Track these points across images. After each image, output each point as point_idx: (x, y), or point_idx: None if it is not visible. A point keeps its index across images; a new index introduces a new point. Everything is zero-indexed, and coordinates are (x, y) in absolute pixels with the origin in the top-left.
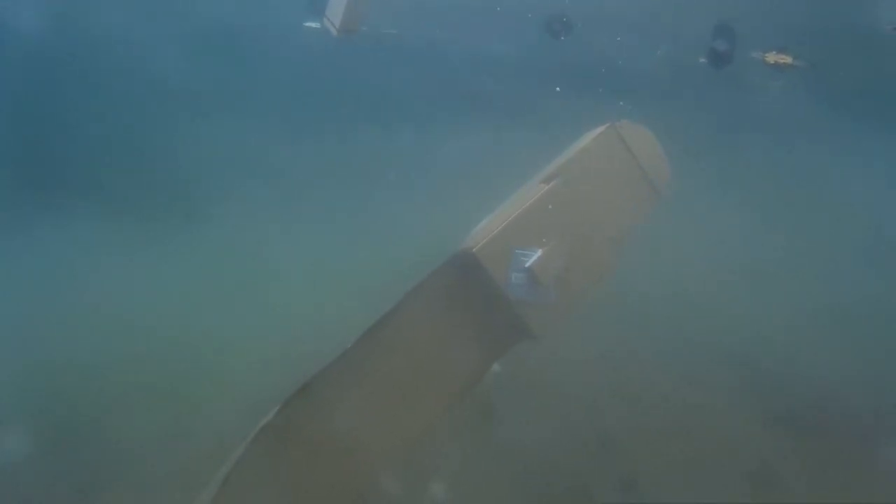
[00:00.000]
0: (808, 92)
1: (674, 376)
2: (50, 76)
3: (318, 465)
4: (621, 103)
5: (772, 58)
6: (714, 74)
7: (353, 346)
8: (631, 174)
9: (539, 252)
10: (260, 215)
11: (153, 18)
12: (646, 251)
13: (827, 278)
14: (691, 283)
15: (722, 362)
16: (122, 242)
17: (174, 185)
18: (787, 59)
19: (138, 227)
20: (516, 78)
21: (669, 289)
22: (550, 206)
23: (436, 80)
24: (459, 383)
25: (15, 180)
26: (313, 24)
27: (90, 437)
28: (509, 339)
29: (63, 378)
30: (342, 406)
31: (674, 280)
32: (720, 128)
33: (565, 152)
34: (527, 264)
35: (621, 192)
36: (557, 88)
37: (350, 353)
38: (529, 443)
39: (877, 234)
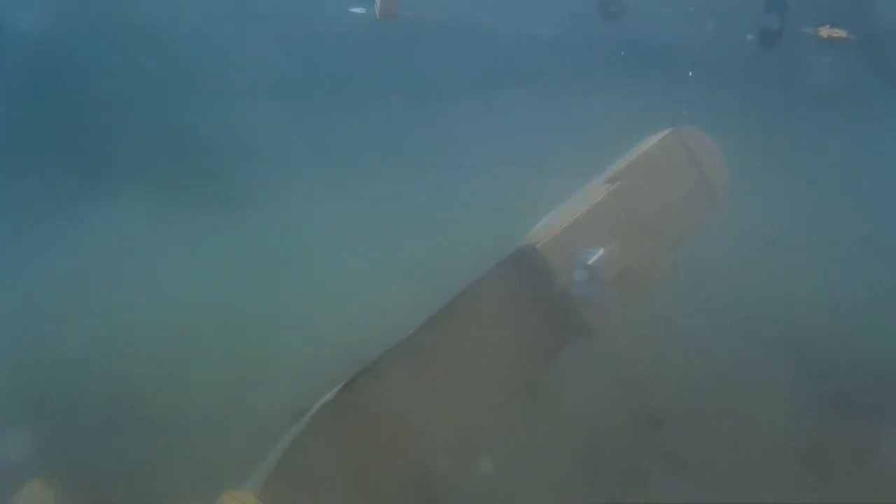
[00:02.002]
0: (863, 66)
1: (723, 356)
2: (92, 62)
3: (378, 446)
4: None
5: (825, 32)
6: (765, 52)
7: (417, 332)
8: (692, 180)
9: (601, 251)
10: (309, 200)
11: (198, 2)
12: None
13: (884, 257)
14: (741, 262)
15: (772, 343)
16: (171, 226)
17: (220, 171)
18: (841, 34)
19: (187, 212)
20: (568, 62)
21: (718, 267)
22: (612, 207)
23: (484, 66)
24: (518, 376)
25: (55, 167)
26: (359, 10)
27: (143, 416)
28: (568, 335)
29: (112, 358)
30: (404, 389)
31: (723, 259)
32: (772, 106)
33: (628, 154)
34: (588, 262)
35: (682, 197)
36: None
37: (414, 338)
38: (579, 422)
39: None
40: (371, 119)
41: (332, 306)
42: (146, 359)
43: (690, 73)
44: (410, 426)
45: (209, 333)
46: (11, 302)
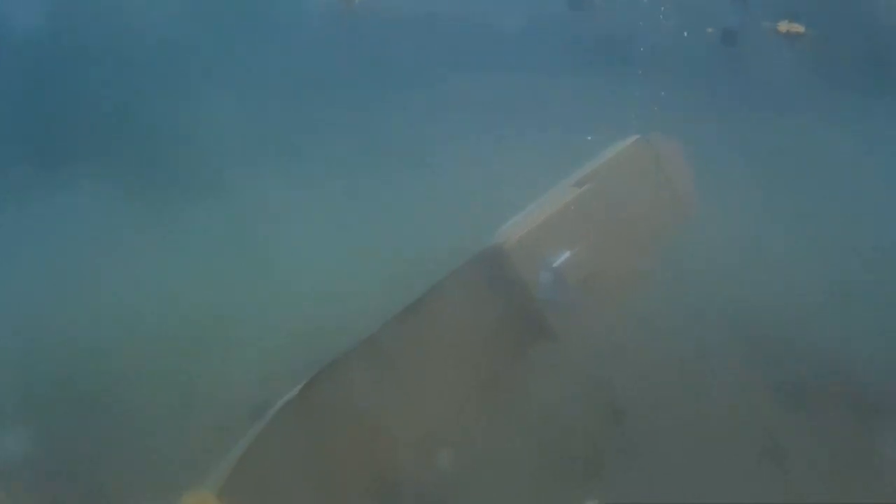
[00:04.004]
0: (821, 61)
1: (684, 347)
2: (52, 52)
3: (340, 444)
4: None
5: (784, 27)
6: (726, 47)
7: (381, 330)
8: (659, 185)
9: (567, 254)
10: (274, 193)
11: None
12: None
13: (842, 253)
14: (701, 257)
15: (733, 334)
16: (133, 219)
17: (187, 163)
18: (800, 29)
19: (148, 203)
20: (535, 54)
21: (678, 261)
22: (580, 211)
23: (446, 59)
24: (481, 376)
25: (17, 157)
26: None
27: (98, 412)
28: (531, 337)
29: (70, 357)
30: (366, 387)
31: (684, 253)
32: (732, 100)
33: (596, 159)
34: (554, 265)
35: (649, 201)
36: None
37: (377, 336)
38: (542, 415)
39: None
40: (337, 111)
41: (295, 301)
42: (102, 352)
43: (640, 72)
44: (373, 425)
45: (168, 326)
46: None
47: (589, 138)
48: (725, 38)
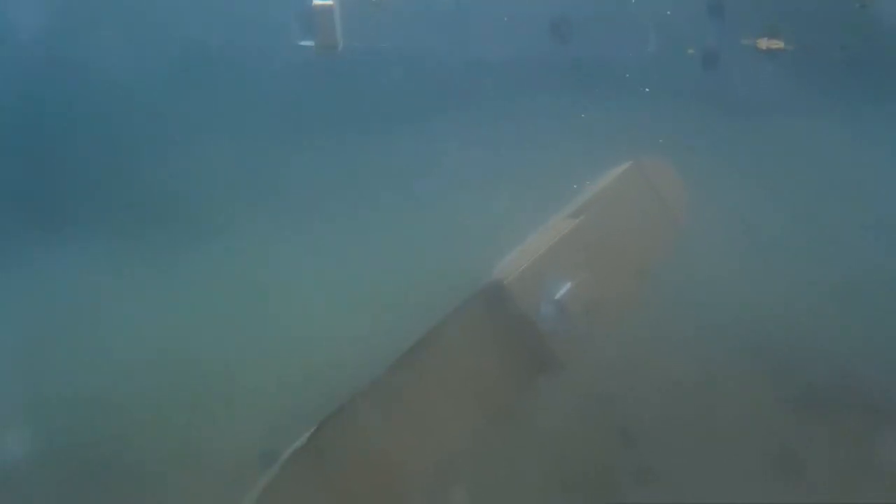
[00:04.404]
0: (803, 74)
1: (690, 368)
2: (41, 100)
3: (352, 490)
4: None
5: (763, 43)
6: (708, 66)
7: (387, 372)
8: (654, 210)
9: (567, 285)
10: (269, 238)
11: (146, 39)
12: None
13: (840, 258)
14: (700, 276)
15: (737, 350)
16: (132, 271)
17: (184, 213)
18: (779, 44)
19: (145, 255)
20: (520, 85)
21: (678, 282)
22: (578, 241)
23: (433, 95)
24: (490, 411)
25: (7, 213)
26: (308, 43)
27: (107, 464)
28: (538, 369)
29: (69, 404)
30: (375, 430)
31: (683, 273)
32: (718, 118)
33: (591, 188)
34: (556, 296)
35: (645, 227)
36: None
37: (383, 378)
38: (553, 443)
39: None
40: (326, 153)
41: (299, 347)
42: (110, 406)
43: (626, 98)
44: (384, 468)
45: (173, 377)
46: None
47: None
48: (706, 58)
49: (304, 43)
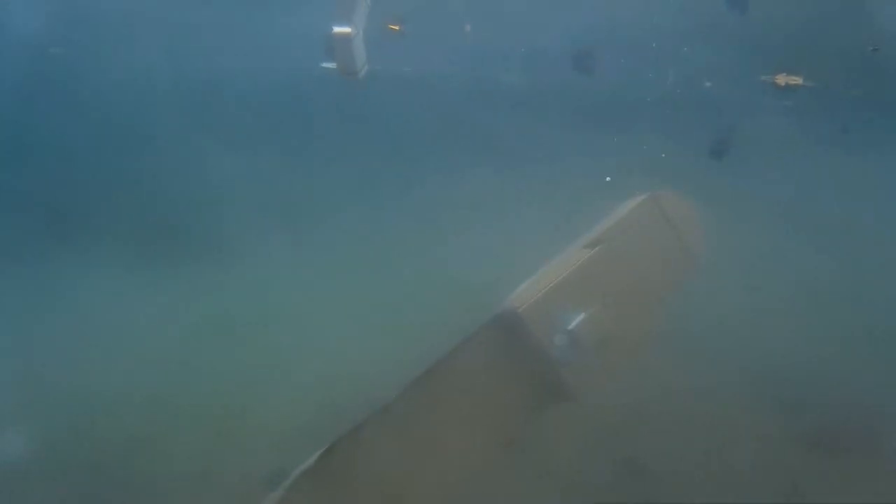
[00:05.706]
0: (822, 110)
1: (702, 403)
2: (64, 120)
3: None
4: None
5: (782, 79)
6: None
7: (398, 397)
8: (670, 243)
9: (581, 316)
10: (284, 259)
11: (171, 64)
12: None
13: (860, 298)
14: (715, 311)
15: (750, 387)
16: (141, 286)
17: (191, 230)
18: (798, 80)
19: (158, 271)
20: (542, 117)
21: (692, 317)
22: (593, 272)
23: (454, 123)
24: (500, 441)
25: (21, 224)
26: (330, 65)
27: (115, 482)
28: (549, 400)
29: (85, 428)
30: (384, 455)
31: (697, 308)
32: (736, 152)
33: (607, 219)
34: (569, 327)
35: (661, 259)
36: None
37: (394, 403)
38: (564, 474)
39: None
40: (345, 178)
41: (310, 369)
42: (118, 423)
43: (645, 130)
44: (391, 492)
45: (182, 396)
46: None
47: (608, 178)
48: (724, 91)
49: (326, 65)
